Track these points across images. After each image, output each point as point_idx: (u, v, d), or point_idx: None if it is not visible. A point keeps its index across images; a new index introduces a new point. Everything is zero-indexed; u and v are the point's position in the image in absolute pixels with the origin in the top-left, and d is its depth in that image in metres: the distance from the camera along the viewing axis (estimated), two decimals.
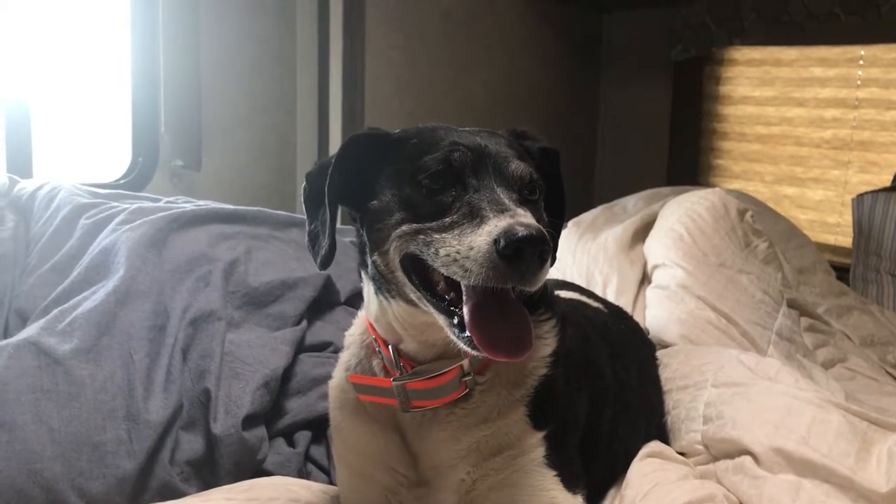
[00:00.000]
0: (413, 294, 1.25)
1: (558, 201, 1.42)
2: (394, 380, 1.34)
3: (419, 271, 1.22)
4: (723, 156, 4.82)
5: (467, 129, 1.33)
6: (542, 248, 1.08)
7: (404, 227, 1.22)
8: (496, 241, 1.08)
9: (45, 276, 1.89)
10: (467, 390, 1.32)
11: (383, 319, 1.36)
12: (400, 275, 1.25)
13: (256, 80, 3.68)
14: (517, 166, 1.25)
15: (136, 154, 3.37)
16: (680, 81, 4.86)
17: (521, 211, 1.14)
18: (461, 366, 1.30)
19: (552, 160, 1.41)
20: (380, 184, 1.29)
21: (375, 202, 1.28)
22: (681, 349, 2.16)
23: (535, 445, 1.34)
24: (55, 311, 1.67)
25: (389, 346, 1.36)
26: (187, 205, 2.21)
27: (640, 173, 4.74)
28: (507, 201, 1.17)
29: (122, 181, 3.35)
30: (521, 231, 1.07)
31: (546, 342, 1.39)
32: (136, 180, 3.37)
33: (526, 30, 4.58)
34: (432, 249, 1.16)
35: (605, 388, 1.57)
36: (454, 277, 1.14)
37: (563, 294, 1.86)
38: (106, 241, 1.88)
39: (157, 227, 1.92)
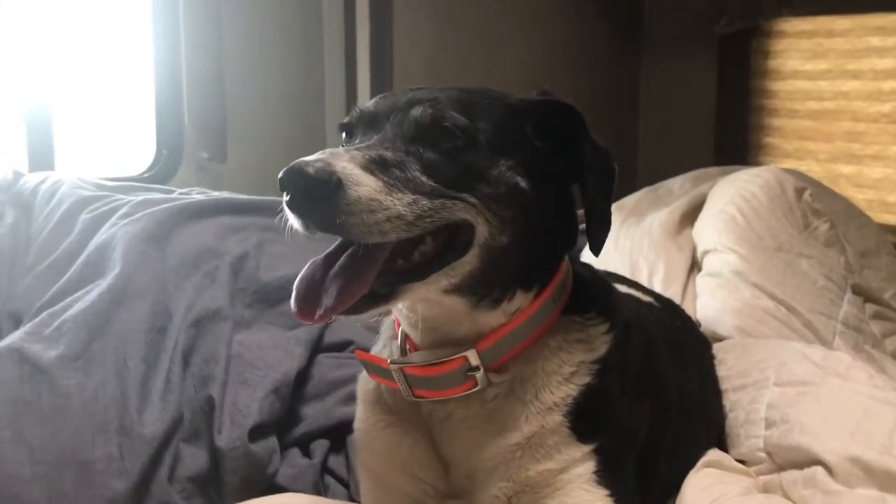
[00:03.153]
0: None
1: (577, 166, 1.19)
2: (391, 361, 1.21)
3: None
4: (773, 134, 4.62)
5: (450, 87, 1.19)
6: (296, 185, 0.99)
7: None
8: None
9: (42, 274, 1.76)
10: (477, 387, 1.18)
11: None
12: None
13: (281, 69, 3.58)
14: (416, 111, 1.11)
15: (161, 147, 3.29)
16: (725, 57, 4.64)
17: (333, 150, 1.04)
18: (465, 357, 1.16)
19: (557, 116, 1.19)
20: None
21: None
22: (737, 343, 1.96)
23: (582, 460, 1.19)
24: (43, 315, 1.53)
25: (400, 328, 1.25)
26: (197, 196, 2.06)
27: (685, 154, 4.55)
28: (358, 148, 1.06)
29: (146, 174, 3.27)
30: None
31: (592, 347, 1.22)
32: (160, 173, 3.30)
33: (562, 4, 4.42)
34: None
35: (668, 401, 1.40)
36: None
37: None
38: (104, 237, 1.74)
39: (158, 220, 1.77)
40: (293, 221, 1.04)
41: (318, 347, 1.80)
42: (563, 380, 1.19)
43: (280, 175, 0.99)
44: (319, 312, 1.03)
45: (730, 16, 4.47)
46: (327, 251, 1.10)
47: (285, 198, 1.02)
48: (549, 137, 1.19)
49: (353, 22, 3.65)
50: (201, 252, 1.77)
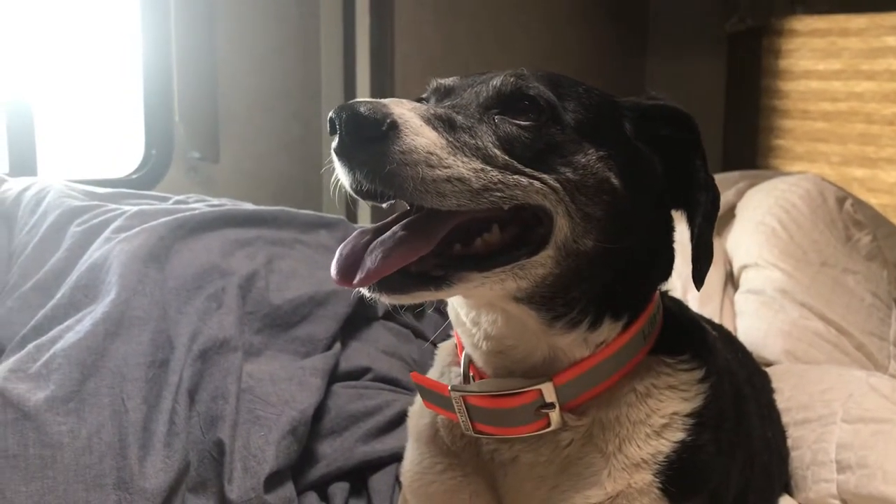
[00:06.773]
0: None
1: (681, 185, 1.08)
2: (452, 388, 1.08)
3: None
4: (784, 136, 4.54)
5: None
6: (345, 122, 0.88)
7: None
8: None
9: (26, 296, 1.57)
10: (550, 428, 1.04)
11: (452, 309, 1.12)
12: None
13: (277, 64, 3.48)
14: (497, 80, 1.02)
15: (150, 146, 3.18)
16: (735, 55, 4.56)
17: (395, 99, 0.94)
18: (539, 391, 1.03)
19: (668, 123, 1.08)
20: None
21: None
22: (790, 370, 1.81)
23: None
24: (29, 347, 1.35)
25: (464, 352, 1.13)
26: (198, 205, 1.88)
27: None
28: (422, 105, 0.96)
29: (134, 176, 3.17)
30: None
31: (685, 396, 1.08)
32: (149, 174, 3.20)
33: (568, 2, 4.36)
34: None
35: (754, 454, 1.26)
36: None
37: None
38: (97, 255, 1.55)
39: (158, 236, 1.59)
40: (340, 174, 0.94)
41: (333, 376, 1.63)
42: (652, 433, 1.06)
43: (330, 113, 0.90)
44: (360, 275, 0.93)
45: (740, 13, 4.43)
46: (381, 222, 0.99)
47: (333, 143, 0.92)
48: (654, 146, 1.06)
49: (352, 16, 3.57)
50: (205, 271, 1.59)
